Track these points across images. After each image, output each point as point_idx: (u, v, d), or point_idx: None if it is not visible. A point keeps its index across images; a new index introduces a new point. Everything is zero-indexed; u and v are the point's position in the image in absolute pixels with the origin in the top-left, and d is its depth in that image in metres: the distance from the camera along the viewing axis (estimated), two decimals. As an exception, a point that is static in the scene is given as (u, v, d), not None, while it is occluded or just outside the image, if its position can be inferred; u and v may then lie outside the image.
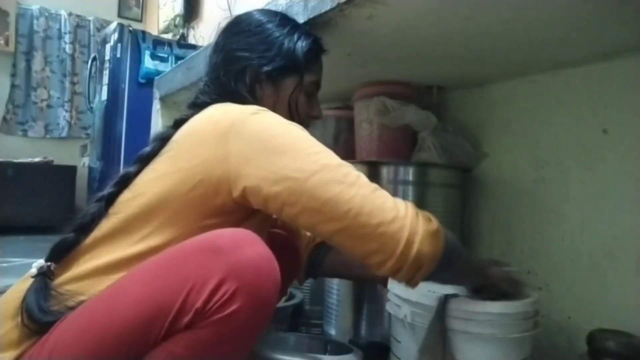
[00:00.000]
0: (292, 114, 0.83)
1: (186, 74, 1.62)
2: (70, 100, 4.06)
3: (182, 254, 0.61)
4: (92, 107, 3.21)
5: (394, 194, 1.11)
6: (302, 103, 0.85)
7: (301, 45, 0.83)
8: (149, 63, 2.72)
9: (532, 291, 0.89)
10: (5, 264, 2.11)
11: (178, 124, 0.77)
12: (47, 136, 4.02)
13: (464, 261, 0.72)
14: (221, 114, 0.72)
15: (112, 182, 0.74)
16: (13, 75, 3.89)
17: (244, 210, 0.69)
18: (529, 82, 1.19)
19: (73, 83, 4.08)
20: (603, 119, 1.04)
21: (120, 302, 0.59)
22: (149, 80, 2.37)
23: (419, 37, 0.99)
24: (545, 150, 1.15)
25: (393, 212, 0.64)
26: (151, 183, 0.71)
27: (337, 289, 1.19)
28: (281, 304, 1.28)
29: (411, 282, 0.67)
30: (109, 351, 0.57)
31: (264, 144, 0.66)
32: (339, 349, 1.04)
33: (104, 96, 2.84)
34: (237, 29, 0.86)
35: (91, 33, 4.15)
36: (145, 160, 0.74)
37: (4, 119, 3.86)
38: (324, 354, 1.05)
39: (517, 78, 1.22)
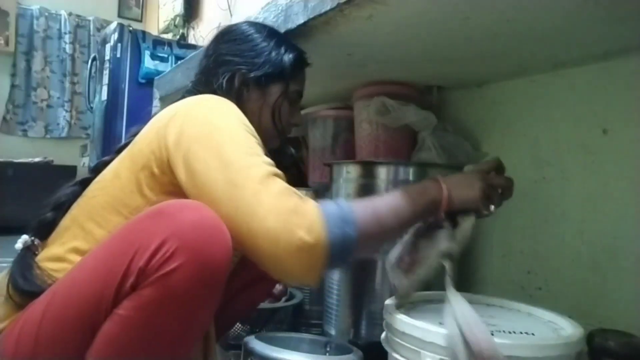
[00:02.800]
0: (274, 119, 0.89)
1: (186, 74, 1.62)
2: (70, 100, 4.07)
3: (131, 224, 0.63)
4: (92, 107, 3.21)
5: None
6: (285, 110, 0.92)
7: (288, 56, 0.90)
8: (149, 63, 2.72)
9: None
10: (5, 264, 2.11)
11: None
12: (47, 136, 4.03)
13: (384, 219, 0.66)
14: (178, 102, 0.79)
15: (90, 169, 0.83)
16: (13, 75, 3.89)
17: None
18: (529, 82, 1.19)
19: (73, 83, 4.09)
20: (603, 119, 1.04)
21: (77, 275, 0.63)
22: (149, 80, 2.38)
23: (418, 37, 0.99)
24: (545, 150, 1.15)
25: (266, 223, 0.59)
26: (113, 167, 0.77)
27: (337, 289, 1.19)
28: (281, 304, 1.29)
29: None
30: (70, 322, 0.60)
31: (190, 128, 0.70)
32: (339, 349, 1.04)
33: (104, 96, 2.84)
34: (228, 37, 0.93)
35: (91, 33, 4.16)
36: (119, 151, 0.81)
37: (4, 119, 3.86)
38: (324, 354, 1.05)
39: (517, 78, 1.22)
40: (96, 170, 0.81)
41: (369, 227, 0.65)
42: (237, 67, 0.87)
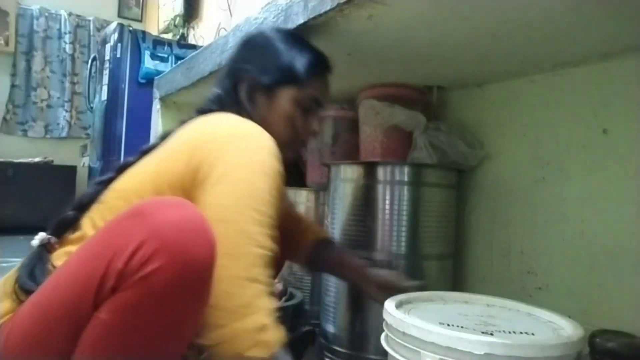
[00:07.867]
0: (286, 127, 0.86)
1: (186, 74, 1.62)
2: (70, 100, 4.06)
3: (110, 225, 0.62)
4: (92, 107, 3.21)
5: (391, 194, 1.13)
6: (298, 117, 0.87)
7: (302, 60, 0.86)
8: (149, 63, 2.71)
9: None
10: (5, 264, 2.12)
11: (182, 124, 0.81)
12: (47, 136, 4.02)
13: None
14: (217, 123, 0.77)
15: (113, 168, 0.79)
16: (13, 75, 3.89)
17: None
18: (529, 82, 1.19)
19: (73, 83, 4.08)
20: (603, 119, 1.04)
21: (60, 277, 0.62)
22: (149, 80, 2.37)
23: (418, 37, 0.99)
24: (545, 150, 1.15)
25: (238, 310, 0.62)
26: (138, 178, 0.75)
27: (334, 288, 1.19)
28: (281, 303, 1.28)
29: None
30: (53, 325, 0.59)
31: (223, 167, 0.69)
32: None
33: (104, 96, 2.84)
34: (248, 43, 0.91)
35: (91, 33, 4.16)
36: (144, 153, 0.79)
37: (4, 119, 3.86)
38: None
39: (517, 78, 1.22)
40: (120, 171, 0.78)
41: None
42: (246, 73, 0.86)
